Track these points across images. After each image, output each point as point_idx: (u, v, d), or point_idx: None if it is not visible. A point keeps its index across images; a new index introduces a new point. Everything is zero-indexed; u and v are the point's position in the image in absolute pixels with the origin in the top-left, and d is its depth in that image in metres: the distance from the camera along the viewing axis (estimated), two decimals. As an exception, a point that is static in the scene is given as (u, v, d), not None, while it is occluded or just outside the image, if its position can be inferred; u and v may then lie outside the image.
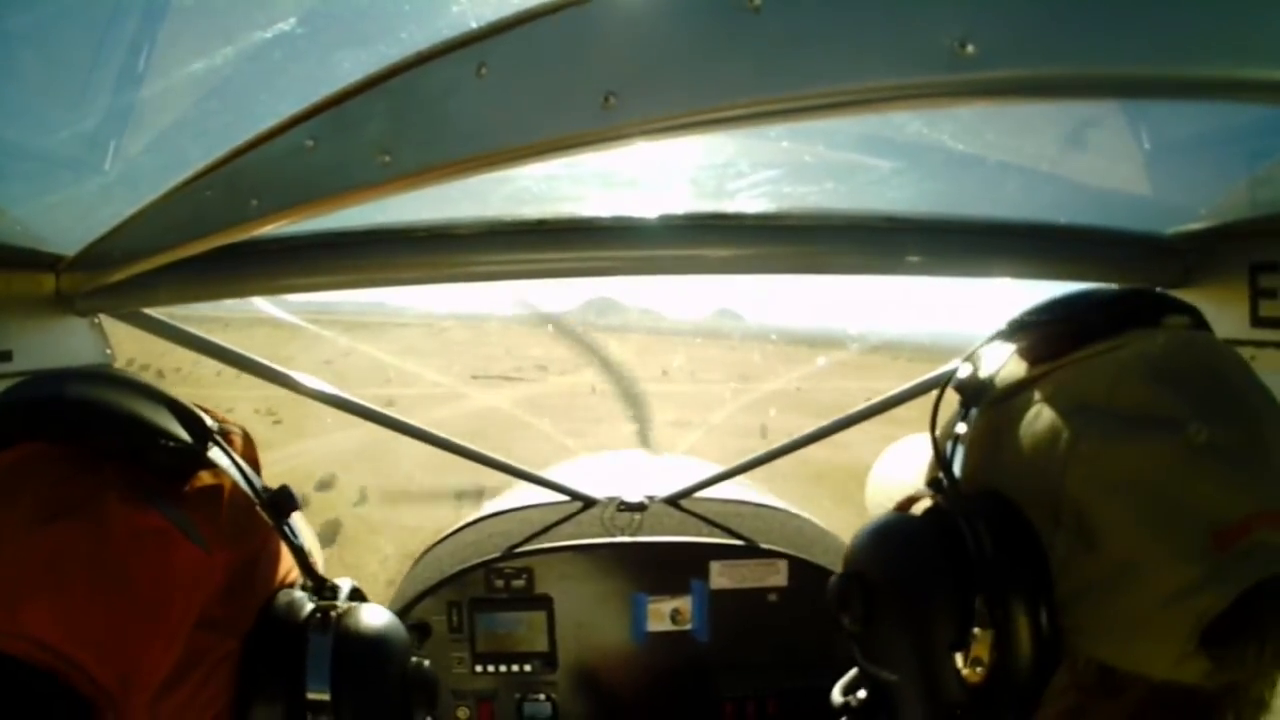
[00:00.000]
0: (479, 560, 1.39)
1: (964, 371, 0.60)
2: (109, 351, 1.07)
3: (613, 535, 1.43)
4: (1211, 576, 0.43)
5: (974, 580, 0.49)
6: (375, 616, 0.60)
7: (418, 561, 1.60)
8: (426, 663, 0.62)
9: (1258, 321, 0.87)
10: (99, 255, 0.90)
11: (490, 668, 1.39)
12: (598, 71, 0.46)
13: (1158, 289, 1.02)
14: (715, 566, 1.39)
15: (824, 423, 1.44)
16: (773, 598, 1.39)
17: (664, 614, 1.39)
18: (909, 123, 0.73)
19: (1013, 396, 0.54)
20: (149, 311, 1.07)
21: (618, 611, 1.39)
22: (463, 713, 1.39)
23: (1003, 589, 0.48)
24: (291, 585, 0.61)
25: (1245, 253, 0.89)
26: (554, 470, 1.84)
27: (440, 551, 1.54)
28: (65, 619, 0.45)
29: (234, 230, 0.69)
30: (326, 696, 0.54)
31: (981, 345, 0.61)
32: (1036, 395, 0.52)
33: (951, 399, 0.61)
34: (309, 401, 1.25)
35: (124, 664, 0.46)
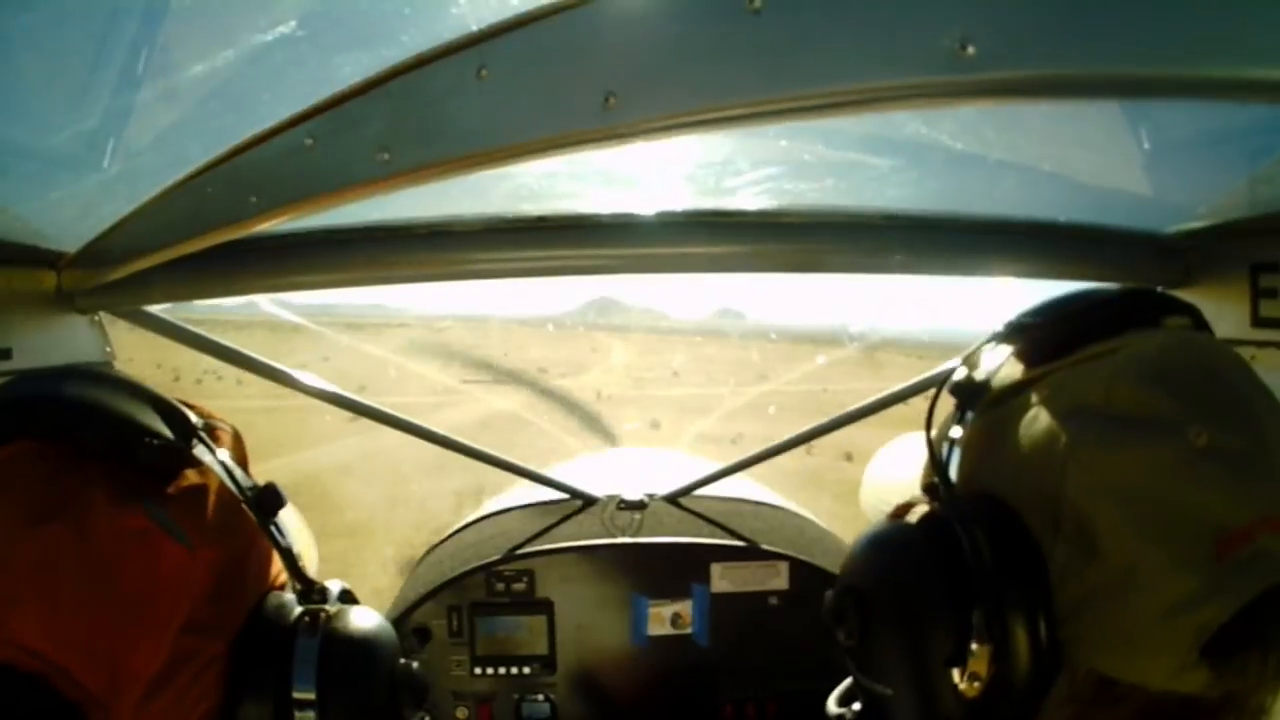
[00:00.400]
0: (479, 563, 1.39)
1: (960, 373, 0.59)
2: (109, 349, 1.07)
3: (613, 535, 1.43)
4: (1213, 587, 0.42)
5: (971, 594, 0.48)
6: (363, 619, 0.59)
7: (419, 563, 1.60)
8: (415, 664, 0.62)
9: (1258, 321, 0.87)
10: (99, 252, 0.90)
11: (489, 670, 1.40)
12: (598, 71, 0.46)
13: (1159, 288, 1.02)
14: (716, 569, 1.39)
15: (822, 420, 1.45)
16: (773, 601, 1.39)
17: (664, 618, 1.39)
18: (909, 121, 0.73)
19: (1009, 399, 0.54)
20: (149, 309, 1.07)
21: (618, 615, 1.39)
22: (461, 713, 1.39)
23: (1002, 604, 0.47)
24: (282, 587, 0.60)
25: (1246, 252, 0.89)
26: (554, 468, 1.84)
27: (441, 553, 1.54)
28: (51, 624, 0.45)
29: (234, 227, 0.69)
30: (312, 697, 0.54)
31: (978, 347, 0.60)
32: (1034, 398, 0.52)
33: (949, 400, 0.60)
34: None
35: (111, 667, 0.46)
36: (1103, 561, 0.45)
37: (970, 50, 0.39)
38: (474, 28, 0.49)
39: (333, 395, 1.26)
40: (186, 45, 0.62)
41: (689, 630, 1.40)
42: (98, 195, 0.83)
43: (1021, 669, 0.47)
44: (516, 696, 1.39)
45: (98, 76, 0.65)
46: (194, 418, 0.59)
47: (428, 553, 1.61)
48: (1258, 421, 0.46)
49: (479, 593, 1.39)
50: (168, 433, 0.54)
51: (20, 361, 0.91)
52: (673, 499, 1.55)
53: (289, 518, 0.63)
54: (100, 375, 0.56)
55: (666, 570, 1.39)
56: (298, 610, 0.58)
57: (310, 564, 0.67)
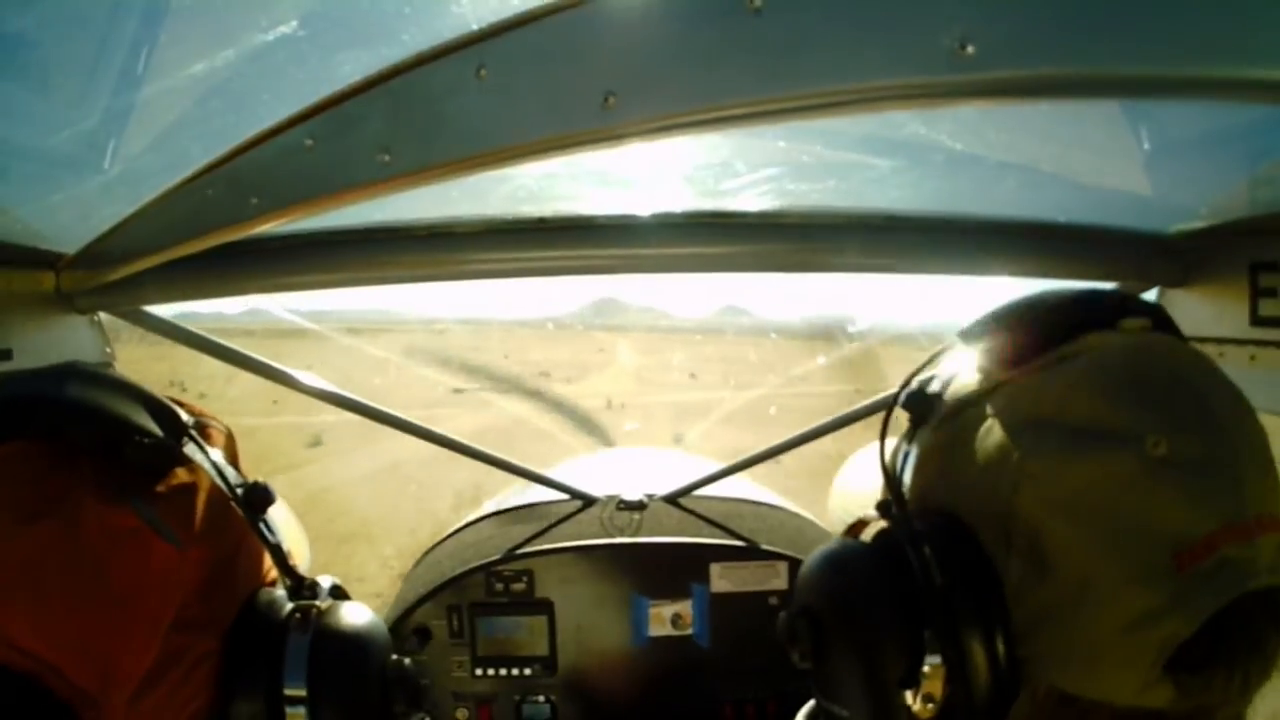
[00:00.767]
0: (479, 563, 1.39)
1: (913, 387, 0.57)
2: (109, 349, 1.07)
3: (612, 535, 1.43)
4: (1175, 600, 0.40)
5: (921, 613, 0.47)
6: (354, 615, 0.59)
7: (419, 563, 1.60)
8: (407, 661, 0.62)
9: (1258, 321, 0.87)
10: (99, 253, 0.90)
11: (490, 671, 1.40)
12: (598, 71, 0.46)
13: (1158, 288, 1.02)
14: (716, 569, 1.39)
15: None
16: (773, 601, 1.39)
17: (665, 618, 1.39)
18: (909, 122, 0.73)
19: (963, 412, 0.52)
20: (149, 310, 1.07)
21: (618, 615, 1.39)
22: (462, 715, 1.39)
23: (951, 622, 0.46)
24: (274, 583, 0.61)
25: (1245, 252, 0.89)
26: (554, 469, 1.84)
27: (440, 553, 1.54)
28: (41, 622, 0.45)
29: (233, 229, 0.69)
30: (303, 694, 0.54)
31: (931, 358, 0.58)
32: (988, 410, 0.50)
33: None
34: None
35: (101, 665, 0.47)
36: (1057, 578, 0.44)
37: (970, 50, 0.39)
38: (474, 27, 0.49)
39: (333, 395, 1.26)
40: (186, 45, 0.62)
41: (689, 631, 1.39)
42: (97, 196, 0.83)
43: (977, 688, 0.45)
44: (517, 698, 1.39)
45: (98, 76, 0.65)
46: (185, 415, 0.59)
47: (426, 553, 1.61)
48: (1222, 426, 0.43)
49: (478, 593, 1.39)
50: (158, 431, 0.55)
51: (20, 362, 0.91)
52: (672, 499, 1.55)
53: (280, 514, 0.63)
54: (91, 373, 0.56)
55: (666, 570, 1.39)
56: (289, 606, 0.58)
57: (302, 560, 0.67)
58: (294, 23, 0.56)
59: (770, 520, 1.54)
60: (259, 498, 0.59)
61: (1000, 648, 0.46)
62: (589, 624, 1.39)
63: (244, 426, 0.68)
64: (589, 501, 1.55)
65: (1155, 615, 0.41)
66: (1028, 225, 0.98)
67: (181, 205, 0.74)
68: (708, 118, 0.45)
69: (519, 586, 1.38)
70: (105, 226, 0.86)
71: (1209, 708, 0.43)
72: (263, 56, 0.60)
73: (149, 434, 0.54)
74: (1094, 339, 0.48)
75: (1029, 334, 0.51)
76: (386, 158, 0.55)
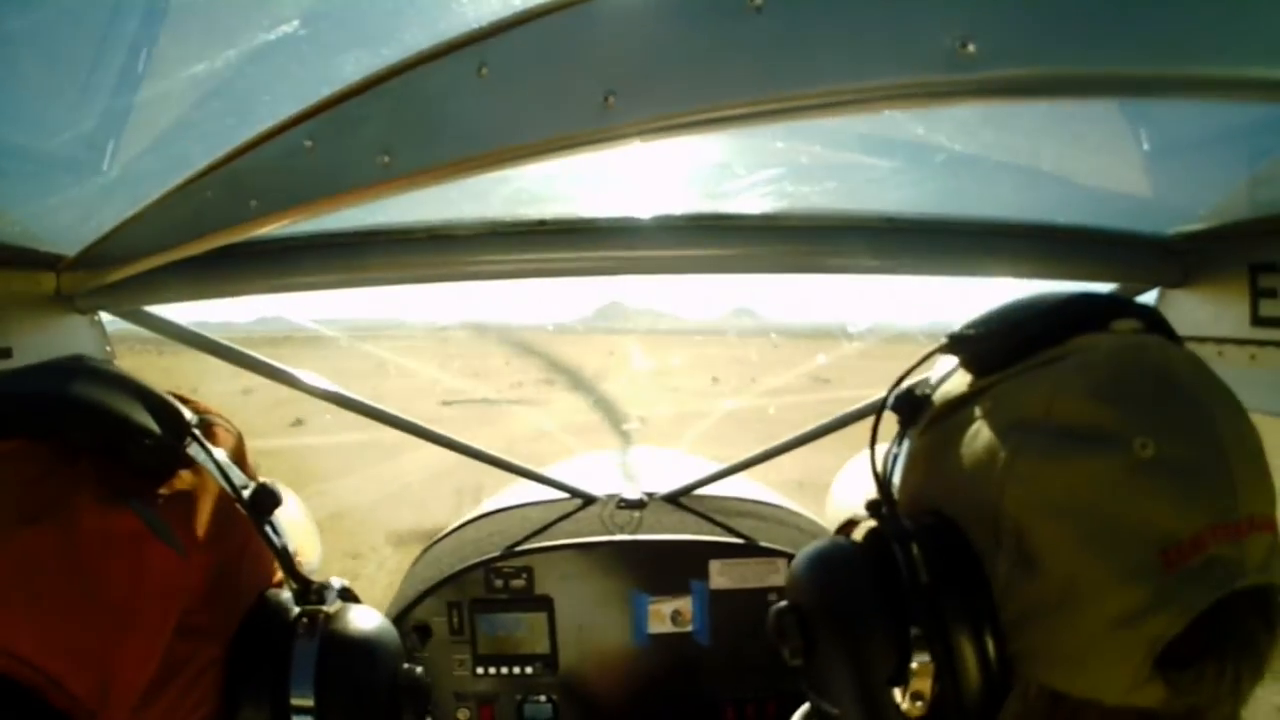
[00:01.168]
0: (479, 559, 1.39)
1: (903, 389, 0.57)
2: (109, 350, 1.07)
3: (612, 533, 1.43)
4: (1163, 598, 0.40)
5: (908, 610, 0.47)
6: (364, 620, 0.58)
7: (418, 560, 1.60)
8: (419, 669, 0.60)
9: (1258, 321, 0.87)
10: (99, 255, 0.90)
11: (491, 670, 1.39)
12: (598, 71, 0.46)
13: (1158, 289, 1.02)
14: (715, 565, 1.39)
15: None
16: (773, 597, 1.39)
17: (665, 615, 1.39)
18: (909, 123, 0.73)
19: (953, 414, 0.52)
20: (149, 310, 1.07)
21: (618, 613, 1.39)
22: (463, 714, 1.39)
23: (938, 619, 0.46)
24: (280, 585, 0.59)
25: (1245, 253, 0.89)
26: (553, 468, 1.84)
27: (439, 550, 1.54)
28: (38, 630, 0.44)
29: (233, 230, 0.69)
30: (311, 703, 0.52)
31: (921, 360, 0.59)
32: (976, 411, 0.50)
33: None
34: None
35: (101, 674, 0.45)
36: (1044, 577, 0.44)
37: (971, 49, 0.39)
38: (475, 25, 0.49)
39: (334, 395, 1.26)
40: (186, 46, 0.62)
41: (689, 628, 1.39)
42: (97, 198, 0.82)
43: (965, 686, 0.45)
44: (519, 697, 1.39)
45: (97, 77, 0.64)
46: (189, 414, 0.57)
47: (425, 550, 1.61)
48: (1212, 428, 0.43)
49: (478, 589, 1.39)
50: (161, 430, 0.53)
51: (20, 363, 0.91)
52: (672, 498, 1.55)
53: (289, 511, 0.62)
54: (92, 370, 0.54)
55: (665, 567, 1.39)
56: (295, 611, 0.56)
57: (313, 555, 0.65)
58: (295, 22, 0.56)
59: (769, 518, 1.54)
60: (266, 500, 0.57)
61: (988, 645, 0.46)
62: (589, 621, 1.39)
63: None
64: (589, 500, 1.55)
65: (1143, 612, 0.41)
66: (1028, 227, 0.98)
67: (181, 206, 0.74)
68: (708, 117, 0.45)
69: (519, 583, 1.38)
70: (105, 228, 0.86)
71: (1201, 708, 0.43)
72: (263, 57, 0.60)
73: (151, 434, 0.52)
74: (1083, 340, 0.48)
75: (1018, 336, 0.51)
76: (386, 159, 0.55)
